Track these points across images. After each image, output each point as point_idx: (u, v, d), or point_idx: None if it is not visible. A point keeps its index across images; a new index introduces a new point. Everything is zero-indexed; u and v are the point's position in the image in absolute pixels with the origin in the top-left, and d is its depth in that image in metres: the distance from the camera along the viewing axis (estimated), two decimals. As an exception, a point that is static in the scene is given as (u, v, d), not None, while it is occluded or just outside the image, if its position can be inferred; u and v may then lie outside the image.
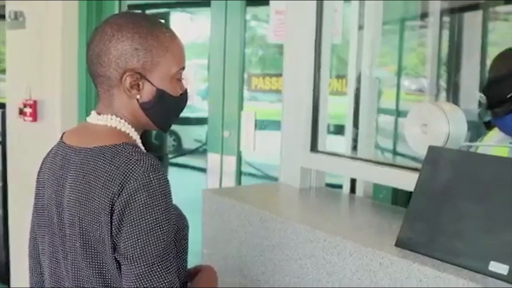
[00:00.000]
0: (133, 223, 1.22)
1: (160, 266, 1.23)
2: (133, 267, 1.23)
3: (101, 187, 1.25)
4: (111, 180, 1.24)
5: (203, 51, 3.64)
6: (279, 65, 2.75)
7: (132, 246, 1.22)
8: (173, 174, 4.62)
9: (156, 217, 1.23)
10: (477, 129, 2.33)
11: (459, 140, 1.66)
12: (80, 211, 1.28)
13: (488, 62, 3.04)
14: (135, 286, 1.22)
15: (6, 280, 4.23)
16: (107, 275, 1.28)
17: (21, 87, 3.87)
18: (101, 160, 1.27)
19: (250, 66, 3.82)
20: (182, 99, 1.40)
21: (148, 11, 4.27)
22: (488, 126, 2.06)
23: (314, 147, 2.26)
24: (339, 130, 2.68)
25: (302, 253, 1.73)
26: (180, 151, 5.98)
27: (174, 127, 5.36)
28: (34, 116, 3.81)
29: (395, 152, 3.55)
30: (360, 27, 2.24)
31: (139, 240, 1.22)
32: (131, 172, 1.24)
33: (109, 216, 1.24)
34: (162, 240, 1.24)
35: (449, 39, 3.85)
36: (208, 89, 3.39)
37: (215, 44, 3.25)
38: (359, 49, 2.23)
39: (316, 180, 2.29)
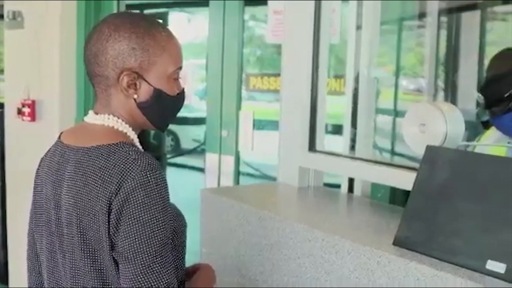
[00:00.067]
0: (130, 222, 1.23)
1: (157, 265, 1.23)
2: (131, 265, 1.23)
3: (99, 186, 1.25)
4: (108, 179, 1.24)
5: (201, 51, 3.65)
6: (277, 65, 2.76)
7: (129, 245, 1.23)
8: (171, 174, 4.63)
9: (154, 215, 1.23)
10: (475, 129, 2.33)
11: (457, 139, 1.66)
12: (77, 210, 1.28)
13: (486, 62, 3.04)
14: (133, 285, 1.23)
15: (5, 280, 4.23)
16: (105, 274, 1.29)
17: (19, 87, 3.87)
18: (99, 159, 1.28)
19: (248, 66, 3.82)
20: (179, 98, 1.40)
21: (146, 11, 4.27)
22: (486, 125, 2.07)
23: (312, 147, 2.26)
24: (337, 130, 2.69)
25: (301, 252, 1.74)
26: (178, 151, 5.98)
27: (172, 127, 5.38)
28: (33, 116, 3.81)
29: (393, 152, 3.56)
30: (358, 27, 2.24)
31: (136, 239, 1.22)
32: (128, 171, 1.24)
33: (107, 215, 1.24)
34: (159, 239, 1.24)
35: (447, 39, 3.85)
36: (206, 89, 3.40)
37: (213, 44, 3.25)
38: (357, 49, 2.23)
39: (314, 179, 2.30)
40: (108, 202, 1.24)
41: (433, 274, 1.35)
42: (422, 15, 3.87)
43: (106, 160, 1.27)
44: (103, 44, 1.31)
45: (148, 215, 1.23)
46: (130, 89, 1.33)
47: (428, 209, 1.48)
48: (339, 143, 2.30)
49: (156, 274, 1.23)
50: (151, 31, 1.33)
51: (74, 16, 3.67)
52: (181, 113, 1.46)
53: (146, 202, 1.23)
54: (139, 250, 1.22)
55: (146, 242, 1.22)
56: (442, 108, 1.68)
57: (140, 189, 1.23)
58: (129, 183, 1.23)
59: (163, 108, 1.38)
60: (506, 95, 1.84)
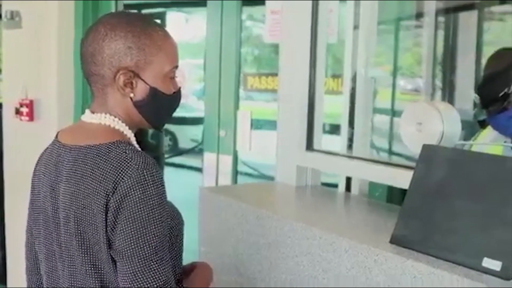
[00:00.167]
0: (128, 220, 1.23)
1: (155, 262, 1.24)
2: (128, 263, 1.24)
3: (96, 185, 1.26)
4: (105, 177, 1.25)
5: (199, 51, 3.65)
6: (274, 64, 2.76)
7: (127, 243, 1.23)
8: (169, 173, 4.63)
9: (151, 213, 1.24)
10: (472, 128, 2.34)
11: (454, 138, 1.67)
12: (75, 209, 1.28)
13: (483, 62, 3.05)
14: (130, 283, 1.23)
15: (3, 280, 4.23)
16: (102, 272, 1.29)
17: (17, 86, 3.87)
18: (96, 158, 1.28)
19: (246, 66, 3.82)
20: (175, 97, 1.41)
21: (144, 11, 4.28)
22: (482, 125, 2.08)
23: (309, 146, 2.27)
24: (334, 129, 2.69)
25: (298, 251, 1.74)
26: (176, 150, 5.98)
27: (170, 127, 5.39)
28: (31, 116, 3.81)
29: (390, 152, 3.57)
30: (356, 27, 2.25)
31: (134, 237, 1.23)
32: (125, 170, 1.24)
33: (104, 214, 1.25)
34: (156, 237, 1.24)
35: (444, 39, 3.86)
36: (204, 89, 3.40)
37: (211, 43, 3.25)
38: (355, 49, 2.24)
39: (312, 178, 2.31)
40: (106, 201, 1.24)
41: (429, 272, 1.36)
42: (419, 15, 3.88)
43: (103, 159, 1.27)
44: (99, 44, 1.31)
45: (145, 213, 1.23)
46: (126, 88, 1.34)
47: (424, 207, 1.49)
48: (337, 142, 2.30)
49: (154, 271, 1.23)
50: (147, 30, 1.33)
51: (72, 16, 3.67)
52: (179, 113, 1.47)
53: (143, 200, 1.23)
54: (136, 248, 1.23)
55: (143, 239, 1.23)
56: (439, 108, 1.69)
57: (137, 187, 1.23)
58: (126, 181, 1.23)
59: (159, 107, 1.39)
60: (500, 95, 1.85)
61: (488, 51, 3.37)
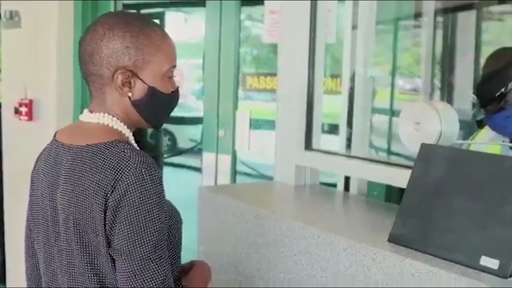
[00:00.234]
0: (126, 218, 1.24)
1: (153, 261, 1.24)
2: (127, 262, 1.24)
3: (94, 184, 1.26)
4: (104, 177, 1.25)
5: (198, 50, 3.65)
6: (273, 64, 2.77)
7: (125, 242, 1.24)
8: (168, 173, 4.63)
9: (149, 212, 1.24)
10: (470, 128, 2.35)
11: (452, 138, 1.68)
12: (73, 208, 1.29)
13: (482, 61, 3.06)
14: (129, 282, 1.24)
15: (3, 279, 4.23)
16: (101, 271, 1.29)
17: (16, 86, 3.87)
18: (94, 157, 1.28)
19: (245, 66, 3.83)
20: (173, 96, 1.41)
21: (142, 11, 4.27)
22: (480, 124, 2.08)
23: (308, 146, 2.28)
24: (333, 129, 2.70)
25: (297, 250, 1.75)
26: (175, 150, 5.98)
27: (169, 127, 5.38)
28: (30, 115, 3.81)
29: (389, 151, 3.57)
30: (354, 27, 2.26)
31: (132, 235, 1.23)
32: (123, 169, 1.25)
33: (103, 213, 1.25)
34: (155, 235, 1.25)
35: (443, 39, 3.87)
36: (203, 88, 3.40)
37: (209, 43, 3.26)
38: (353, 49, 2.25)
39: (310, 178, 2.31)
40: (104, 200, 1.25)
41: (427, 270, 1.36)
42: (418, 15, 3.89)
43: (101, 158, 1.28)
44: (97, 43, 1.32)
45: (144, 211, 1.24)
46: (124, 87, 1.34)
47: (422, 206, 1.50)
48: (336, 142, 2.31)
49: (152, 270, 1.24)
50: (146, 30, 1.34)
51: (71, 16, 3.67)
52: (178, 113, 1.47)
53: (141, 199, 1.24)
54: (135, 247, 1.23)
55: (141, 238, 1.23)
56: (437, 107, 1.69)
57: (135, 186, 1.24)
58: (125, 180, 1.24)
59: (157, 106, 1.39)
60: (497, 94, 1.85)
61: (486, 51, 3.37)
